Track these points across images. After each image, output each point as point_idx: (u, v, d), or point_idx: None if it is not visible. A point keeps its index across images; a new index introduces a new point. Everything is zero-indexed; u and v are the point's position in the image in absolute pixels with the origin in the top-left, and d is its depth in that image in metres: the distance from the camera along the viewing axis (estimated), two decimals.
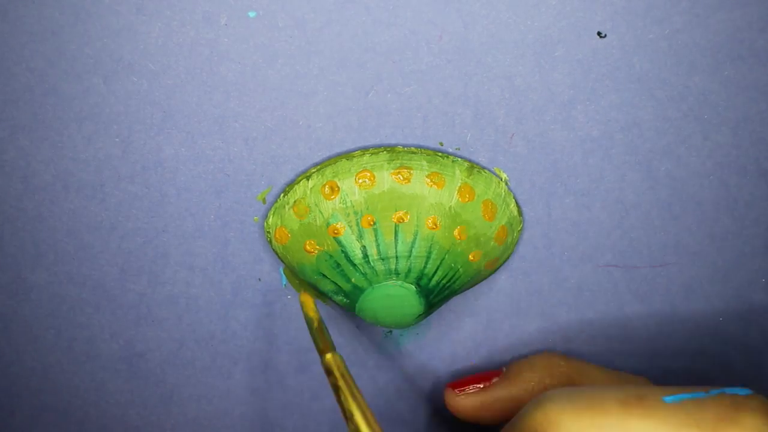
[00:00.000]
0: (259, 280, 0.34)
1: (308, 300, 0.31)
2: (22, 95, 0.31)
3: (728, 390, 0.25)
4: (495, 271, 0.34)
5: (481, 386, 0.32)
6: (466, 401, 0.32)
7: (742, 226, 0.33)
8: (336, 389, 0.27)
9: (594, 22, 0.31)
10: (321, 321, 0.30)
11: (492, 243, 0.32)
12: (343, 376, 0.27)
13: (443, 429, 0.36)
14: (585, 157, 0.32)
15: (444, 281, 0.31)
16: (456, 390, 0.32)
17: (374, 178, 0.31)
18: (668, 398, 0.24)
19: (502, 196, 0.32)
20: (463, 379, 0.33)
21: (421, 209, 0.31)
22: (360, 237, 0.31)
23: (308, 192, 0.31)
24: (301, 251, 0.32)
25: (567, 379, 0.31)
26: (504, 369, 0.33)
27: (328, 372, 0.28)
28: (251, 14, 0.31)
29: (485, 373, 0.33)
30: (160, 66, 0.31)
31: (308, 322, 0.30)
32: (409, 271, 0.31)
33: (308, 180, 0.32)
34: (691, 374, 0.34)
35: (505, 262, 0.34)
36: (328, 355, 0.28)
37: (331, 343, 0.29)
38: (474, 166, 0.32)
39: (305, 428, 0.35)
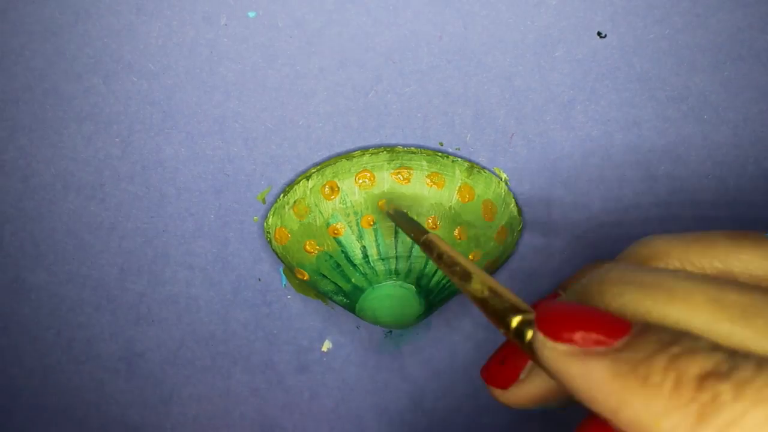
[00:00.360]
0: (259, 280, 0.34)
1: (384, 203, 0.31)
2: (22, 95, 0.31)
3: None
4: (495, 271, 0.34)
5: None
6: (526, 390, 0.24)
7: (742, 227, 0.33)
8: (441, 257, 0.25)
9: (594, 22, 0.31)
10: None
11: (492, 243, 0.32)
12: (450, 247, 0.26)
13: (443, 429, 0.36)
14: (585, 157, 0.32)
15: (444, 281, 0.31)
16: (500, 386, 0.24)
17: (374, 178, 0.31)
18: None
19: (502, 196, 0.32)
20: (494, 363, 0.25)
21: (421, 209, 0.31)
22: (360, 237, 0.31)
23: (308, 192, 0.31)
24: (301, 251, 0.32)
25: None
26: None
27: (432, 247, 0.25)
28: (251, 14, 0.31)
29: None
30: (160, 66, 0.31)
31: (399, 215, 0.29)
32: (409, 271, 0.31)
33: (308, 180, 0.32)
34: None
35: (505, 262, 0.33)
36: (430, 234, 0.26)
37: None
38: (474, 166, 0.32)
39: (305, 428, 0.35)
